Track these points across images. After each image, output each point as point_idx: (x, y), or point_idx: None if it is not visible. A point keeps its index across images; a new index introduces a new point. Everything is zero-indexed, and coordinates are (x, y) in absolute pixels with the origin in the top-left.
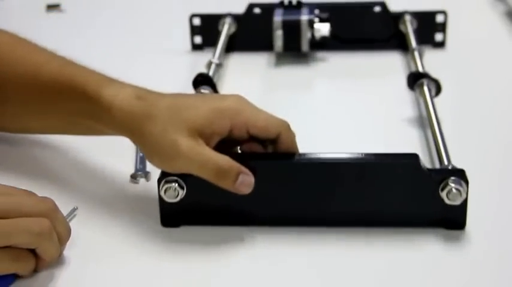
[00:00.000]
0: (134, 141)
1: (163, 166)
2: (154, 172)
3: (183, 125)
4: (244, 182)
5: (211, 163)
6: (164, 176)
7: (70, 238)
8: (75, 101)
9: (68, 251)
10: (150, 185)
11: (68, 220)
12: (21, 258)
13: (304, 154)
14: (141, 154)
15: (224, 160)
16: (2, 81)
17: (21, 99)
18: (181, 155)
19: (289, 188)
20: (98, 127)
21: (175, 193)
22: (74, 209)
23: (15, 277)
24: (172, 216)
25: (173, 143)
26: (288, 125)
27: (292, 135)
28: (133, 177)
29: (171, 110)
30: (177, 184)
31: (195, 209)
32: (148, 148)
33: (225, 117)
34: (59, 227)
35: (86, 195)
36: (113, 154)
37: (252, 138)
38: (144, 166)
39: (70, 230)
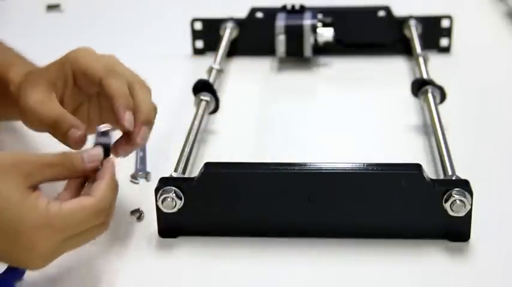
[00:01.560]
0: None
1: (28, 125)
2: (155, 172)
3: (34, 83)
4: (73, 135)
5: (48, 115)
6: (162, 187)
7: None
8: None
9: (63, 257)
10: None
11: None
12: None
13: (304, 164)
14: (141, 154)
15: (58, 112)
16: None
17: None
18: (26, 110)
19: (289, 199)
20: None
21: (172, 204)
22: None
23: (22, 274)
24: (170, 227)
25: (24, 101)
26: (113, 72)
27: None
28: (134, 177)
29: (29, 75)
30: (174, 194)
31: (193, 219)
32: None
33: (66, 67)
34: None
35: None
36: None
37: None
38: (145, 166)
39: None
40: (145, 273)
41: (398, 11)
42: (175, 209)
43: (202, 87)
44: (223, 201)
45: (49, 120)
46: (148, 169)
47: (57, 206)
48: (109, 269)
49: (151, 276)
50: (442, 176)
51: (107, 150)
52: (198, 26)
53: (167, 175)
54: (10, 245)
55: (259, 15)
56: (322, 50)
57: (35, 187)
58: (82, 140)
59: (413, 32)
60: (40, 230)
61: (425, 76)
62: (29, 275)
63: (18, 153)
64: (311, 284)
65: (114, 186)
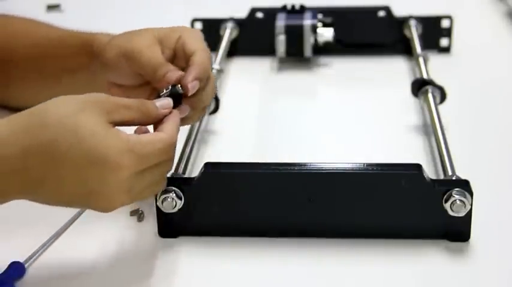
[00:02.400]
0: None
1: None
2: None
3: (143, 33)
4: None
5: (152, 60)
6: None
7: (64, 248)
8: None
9: (64, 259)
10: None
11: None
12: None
13: (304, 164)
14: None
15: (161, 60)
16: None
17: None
18: (130, 54)
19: (289, 199)
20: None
21: (172, 204)
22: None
23: (22, 273)
24: (170, 227)
25: (129, 45)
26: None
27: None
28: None
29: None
30: (174, 194)
31: (193, 219)
32: None
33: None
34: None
35: None
36: None
37: None
38: None
39: None
40: (146, 273)
41: (398, 11)
42: (175, 209)
43: None
44: (223, 201)
45: (153, 64)
46: None
47: (136, 136)
48: (109, 269)
49: (151, 276)
50: (442, 176)
51: (178, 99)
52: (198, 26)
53: (167, 175)
54: (98, 170)
55: (259, 15)
56: (322, 50)
57: (113, 125)
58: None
59: (414, 32)
60: (124, 154)
61: (425, 76)
62: (28, 275)
63: (100, 93)
64: (311, 284)
65: (179, 127)
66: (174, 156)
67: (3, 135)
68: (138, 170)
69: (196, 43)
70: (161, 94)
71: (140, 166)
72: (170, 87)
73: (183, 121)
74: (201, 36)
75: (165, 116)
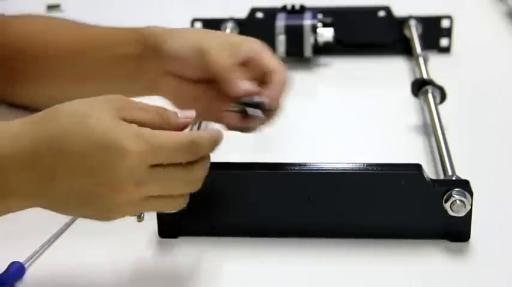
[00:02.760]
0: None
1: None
2: None
3: (217, 36)
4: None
5: (224, 64)
6: None
7: (64, 248)
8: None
9: (64, 259)
10: None
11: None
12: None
13: (304, 164)
14: None
15: (232, 67)
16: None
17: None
18: (203, 53)
19: (289, 199)
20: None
21: None
22: None
23: (22, 274)
24: (170, 227)
25: (205, 43)
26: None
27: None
28: None
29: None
30: None
31: (193, 219)
32: None
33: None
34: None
35: None
36: None
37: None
38: None
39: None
40: (146, 273)
41: (398, 11)
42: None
43: None
44: (223, 201)
45: (219, 66)
46: None
47: (149, 129)
48: (109, 269)
49: (151, 276)
50: (442, 176)
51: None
52: (198, 26)
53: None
54: (105, 156)
55: (259, 15)
56: (322, 50)
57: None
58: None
59: (414, 32)
60: (132, 138)
61: (425, 76)
62: (28, 275)
63: (116, 95)
64: (311, 284)
65: (213, 139)
66: (201, 170)
67: (15, 131)
68: (148, 161)
69: (275, 61)
70: (241, 101)
71: (150, 155)
72: (254, 98)
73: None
74: (270, 52)
75: (186, 125)
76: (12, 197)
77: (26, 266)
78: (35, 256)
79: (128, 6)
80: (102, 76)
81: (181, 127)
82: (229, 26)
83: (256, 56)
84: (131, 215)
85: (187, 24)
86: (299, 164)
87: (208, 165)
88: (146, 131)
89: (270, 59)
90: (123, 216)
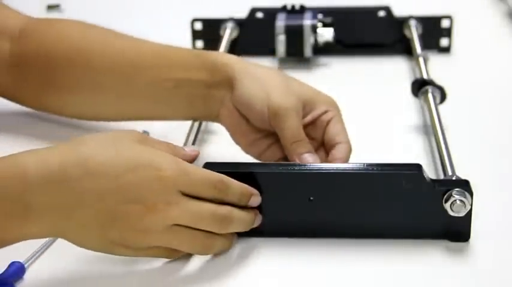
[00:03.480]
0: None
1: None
2: None
3: (284, 89)
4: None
5: (292, 126)
6: None
7: (64, 248)
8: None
9: (64, 259)
10: None
11: None
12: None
13: (304, 164)
14: None
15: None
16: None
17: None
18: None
19: (289, 199)
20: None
21: None
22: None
23: (22, 274)
24: None
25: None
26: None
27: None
28: None
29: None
30: None
31: None
32: None
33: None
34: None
35: None
36: None
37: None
38: None
39: None
40: (145, 273)
41: (399, 11)
42: None
43: None
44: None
45: (291, 134)
46: None
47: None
48: (109, 269)
49: (151, 276)
50: (442, 176)
51: None
52: (198, 26)
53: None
54: (133, 176)
55: (259, 15)
56: (322, 50)
57: None
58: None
59: (414, 32)
60: (167, 159)
61: (425, 76)
62: (28, 275)
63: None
64: (311, 284)
65: (244, 188)
66: (229, 215)
67: (42, 153)
68: (180, 183)
69: (343, 133)
70: None
71: (182, 178)
72: None
73: None
74: (342, 120)
75: (193, 158)
76: (32, 219)
77: (26, 266)
78: (35, 256)
79: (128, 6)
80: (158, 97)
81: (188, 158)
82: (229, 26)
83: (326, 120)
84: (156, 244)
85: (187, 24)
86: (299, 164)
87: (241, 228)
88: (182, 161)
89: (340, 131)
90: (149, 244)
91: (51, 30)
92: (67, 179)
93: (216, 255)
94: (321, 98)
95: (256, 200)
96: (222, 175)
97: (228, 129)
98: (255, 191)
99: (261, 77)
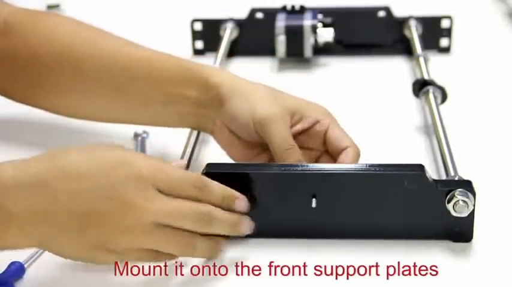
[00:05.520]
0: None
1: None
2: None
3: (270, 99)
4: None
5: (281, 136)
6: None
7: None
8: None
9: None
10: None
11: None
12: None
13: (306, 164)
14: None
15: (291, 141)
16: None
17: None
18: (257, 119)
19: (292, 199)
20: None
21: None
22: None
23: (22, 273)
24: None
25: (259, 110)
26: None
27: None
28: None
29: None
30: None
31: None
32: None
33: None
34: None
35: None
36: None
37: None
38: None
39: None
40: (145, 273)
41: (398, 11)
42: None
43: None
44: None
45: (278, 140)
46: None
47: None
48: (109, 269)
49: (150, 276)
50: (444, 177)
51: None
52: (198, 26)
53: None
54: (106, 173)
55: (259, 15)
56: (322, 50)
57: None
58: None
59: (414, 32)
60: (140, 158)
61: (426, 76)
62: (28, 275)
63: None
64: (311, 284)
65: (225, 190)
66: (209, 212)
67: (18, 161)
68: (156, 179)
69: (347, 138)
70: None
71: (158, 174)
72: None
73: None
74: (340, 126)
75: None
76: (11, 226)
77: (26, 266)
78: (35, 256)
79: (128, 6)
80: (148, 109)
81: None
82: (229, 26)
83: (323, 129)
84: (139, 246)
85: (187, 25)
86: (301, 165)
87: (226, 227)
88: (163, 162)
89: (342, 135)
90: (131, 245)
91: (40, 27)
92: (43, 183)
93: (207, 260)
94: (310, 107)
95: (241, 204)
96: (201, 175)
97: (222, 147)
98: (240, 195)
99: (248, 91)
